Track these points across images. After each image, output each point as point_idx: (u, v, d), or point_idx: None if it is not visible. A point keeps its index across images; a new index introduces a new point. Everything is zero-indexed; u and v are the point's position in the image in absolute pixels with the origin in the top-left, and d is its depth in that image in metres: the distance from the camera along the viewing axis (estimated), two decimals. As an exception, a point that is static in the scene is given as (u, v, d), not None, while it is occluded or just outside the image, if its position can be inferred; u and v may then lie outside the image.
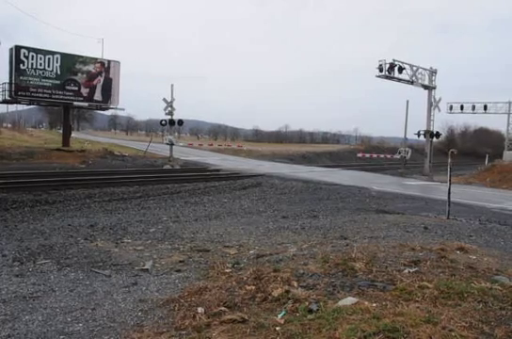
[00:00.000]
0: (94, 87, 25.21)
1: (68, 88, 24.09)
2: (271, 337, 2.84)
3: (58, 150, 23.73)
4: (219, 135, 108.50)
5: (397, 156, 28.94)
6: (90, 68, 25.07)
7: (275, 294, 3.60)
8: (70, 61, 24.20)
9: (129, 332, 3.12)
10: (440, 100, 26.09)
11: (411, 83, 24.60)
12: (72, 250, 5.98)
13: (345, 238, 6.41)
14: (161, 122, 23.82)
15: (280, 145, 67.16)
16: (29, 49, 22.64)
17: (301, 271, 4.22)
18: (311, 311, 3.20)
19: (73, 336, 3.10)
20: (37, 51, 22.88)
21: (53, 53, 23.52)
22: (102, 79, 25.49)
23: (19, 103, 25.44)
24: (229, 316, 3.20)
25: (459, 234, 7.18)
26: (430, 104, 25.84)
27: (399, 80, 24.12)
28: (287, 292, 3.61)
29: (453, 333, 2.71)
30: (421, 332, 2.69)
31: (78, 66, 24.60)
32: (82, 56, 24.91)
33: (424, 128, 26.07)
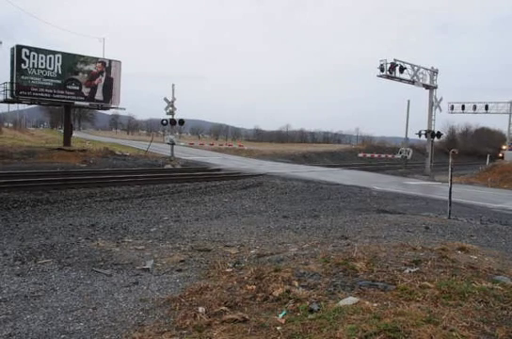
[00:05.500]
0: (95, 86, 25.23)
1: (69, 87, 24.12)
2: (272, 337, 2.84)
3: (59, 149, 23.75)
4: (220, 134, 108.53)
5: (398, 156, 28.94)
6: (91, 67, 25.08)
7: (276, 293, 3.60)
8: (71, 61, 24.22)
9: (130, 332, 3.13)
10: (441, 100, 26.10)
11: (412, 83, 24.59)
12: (73, 249, 5.98)
13: (346, 238, 6.41)
14: (162, 122, 23.81)
15: (281, 145, 67.14)
16: (30, 48, 22.66)
17: (302, 271, 4.22)
18: (311, 310, 3.20)
19: (74, 335, 3.11)
20: (38, 50, 22.90)
21: (54, 52, 23.55)
22: (103, 79, 25.51)
23: (20, 102, 25.47)
24: (230, 316, 3.20)
25: (460, 233, 7.18)
26: (431, 104, 25.82)
27: (400, 80, 24.12)
28: (288, 292, 3.61)
29: (454, 333, 2.71)
30: (422, 332, 2.69)
31: (79, 65, 24.62)
32: (83, 56, 24.93)
33: (426, 128, 26.06)
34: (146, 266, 5.03)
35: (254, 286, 3.84)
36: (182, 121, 23.62)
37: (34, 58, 22.56)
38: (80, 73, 24.60)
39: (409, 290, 3.55)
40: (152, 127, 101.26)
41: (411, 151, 28.13)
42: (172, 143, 23.45)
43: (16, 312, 3.56)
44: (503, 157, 38.51)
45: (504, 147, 45.61)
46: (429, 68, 25.69)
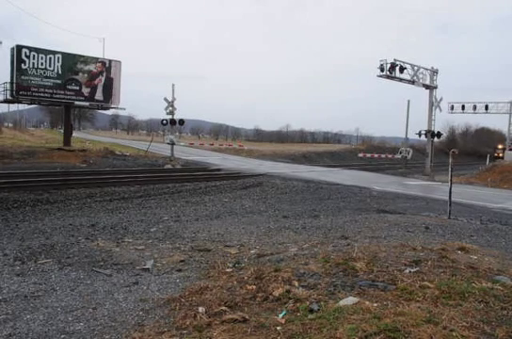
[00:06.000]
0: (95, 86, 25.24)
1: (69, 87, 24.12)
2: (272, 337, 2.84)
3: (59, 149, 23.75)
4: (220, 134, 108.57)
5: (398, 156, 28.94)
6: (91, 67, 25.09)
7: (276, 293, 3.60)
8: (71, 61, 24.23)
9: (130, 332, 3.13)
10: (441, 100, 26.10)
11: (412, 83, 24.59)
12: (73, 249, 5.99)
13: (346, 238, 6.41)
14: (162, 122, 23.81)
15: (281, 145, 67.14)
16: (30, 48, 22.67)
17: (302, 271, 4.22)
18: (311, 310, 3.20)
19: (74, 335, 3.11)
20: (38, 50, 22.91)
21: (54, 52, 23.55)
22: (103, 79, 25.52)
23: (20, 102, 25.49)
24: (230, 316, 3.20)
25: (460, 233, 7.18)
26: (431, 104, 25.82)
27: (400, 80, 24.12)
28: (288, 292, 3.61)
29: (454, 333, 2.71)
30: (422, 332, 2.69)
31: (79, 65, 24.63)
32: (83, 56, 24.94)
33: (426, 128, 26.05)
34: (146, 266, 5.03)
35: (254, 286, 3.84)
36: (182, 121, 23.61)
37: (34, 58, 22.56)
38: (80, 73, 24.60)
39: (409, 290, 3.55)
40: (152, 127, 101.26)
41: (411, 151, 28.13)
42: (172, 143, 23.45)
43: (16, 312, 3.56)
44: (499, 157, 38.45)
45: (499, 146, 45.54)
46: (429, 68, 25.69)
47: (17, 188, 12.36)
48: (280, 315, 3.18)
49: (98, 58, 25.46)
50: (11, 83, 22.30)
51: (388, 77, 23.53)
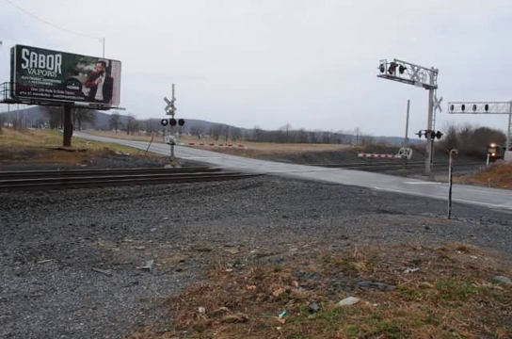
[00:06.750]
0: (95, 86, 25.23)
1: (69, 87, 24.11)
2: (272, 337, 2.84)
3: (59, 149, 23.75)
4: (220, 134, 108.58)
5: (398, 156, 28.94)
6: (91, 67, 25.08)
7: (276, 293, 3.60)
8: (71, 61, 24.22)
9: (130, 332, 3.13)
10: (441, 100, 26.09)
11: (412, 83, 24.59)
12: (73, 249, 5.99)
13: (346, 238, 6.41)
14: (162, 122, 23.81)
15: (281, 145, 67.14)
16: (30, 48, 22.66)
17: (302, 271, 4.22)
18: (311, 310, 3.20)
19: (74, 335, 3.11)
20: (38, 50, 22.90)
21: (54, 52, 23.54)
22: (103, 79, 25.51)
23: (20, 102, 25.47)
24: (230, 316, 3.20)
25: (460, 233, 7.18)
26: (431, 104, 25.81)
27: (400, 80, 24.12)
28: (288, 292, 3.61)
29: (454, 333, 2.71)
30: (422, 332, 2.69)
31: (79, 65, 24.62)
32: (83, 56, 24.93)
33: (426, 128, 26.05)
34: (146, 266, 5.03)
35: (254, 286, 3.85)
36: (182, 121, 23.61)
37: (34, 58, 22.55)
38: (80, 73, 24.59)
39: (409, 290, 3.55)
40: (152, 127, 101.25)
41: (411, 151, 28.14)
42: (172, 143, 23.44)
43: (16, 312, 3.56)
44: (492, 156, 38.09)
45: (492, 145, 45.25)
46: (429, 68, 25.69)
47: (17, 188, 12.36)
48: (280, 315, 3.18)
49: (98, 58, 25.45)
50: (11, 83, 22.30)
51: (388, 77, 23.53)
